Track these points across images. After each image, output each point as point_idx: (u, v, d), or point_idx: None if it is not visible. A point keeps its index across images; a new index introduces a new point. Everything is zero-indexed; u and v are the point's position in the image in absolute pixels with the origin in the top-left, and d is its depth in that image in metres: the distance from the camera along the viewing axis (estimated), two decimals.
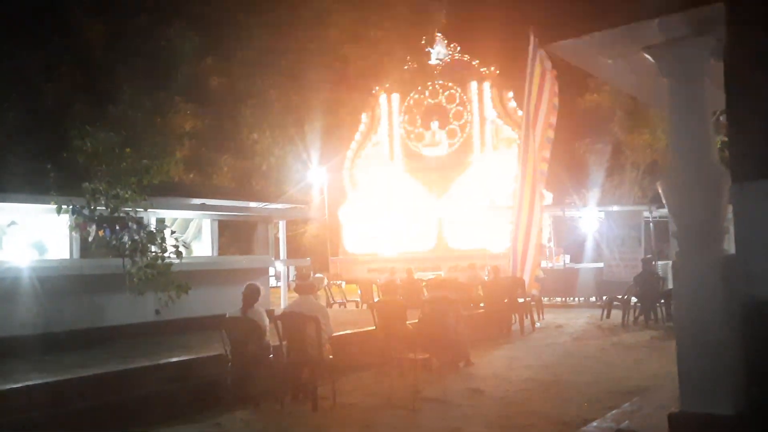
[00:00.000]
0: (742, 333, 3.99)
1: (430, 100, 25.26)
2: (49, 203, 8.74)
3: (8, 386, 5.77)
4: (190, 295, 8.98)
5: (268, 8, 27.31)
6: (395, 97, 25.76)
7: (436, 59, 25.34)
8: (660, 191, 4.47)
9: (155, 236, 9.00)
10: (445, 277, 16.92)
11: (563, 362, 9.17)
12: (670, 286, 7.11)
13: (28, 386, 5.85)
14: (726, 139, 4.31)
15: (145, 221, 9.61)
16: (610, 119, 26.28)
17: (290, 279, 21.52)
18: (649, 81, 4.98)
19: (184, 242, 9.63)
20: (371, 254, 24.37)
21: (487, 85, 24.25)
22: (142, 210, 9.10)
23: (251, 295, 6.87)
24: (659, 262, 15.71)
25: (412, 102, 25.58)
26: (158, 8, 25.90)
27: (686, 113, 4.33)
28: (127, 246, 8.82)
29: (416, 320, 8.70)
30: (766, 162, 3.89)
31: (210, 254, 12.49)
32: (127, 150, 8.97)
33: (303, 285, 7.50)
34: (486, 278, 14.61)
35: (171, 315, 9.16)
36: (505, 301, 12.34)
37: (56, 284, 8.55)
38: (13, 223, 9.64)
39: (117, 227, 8.87)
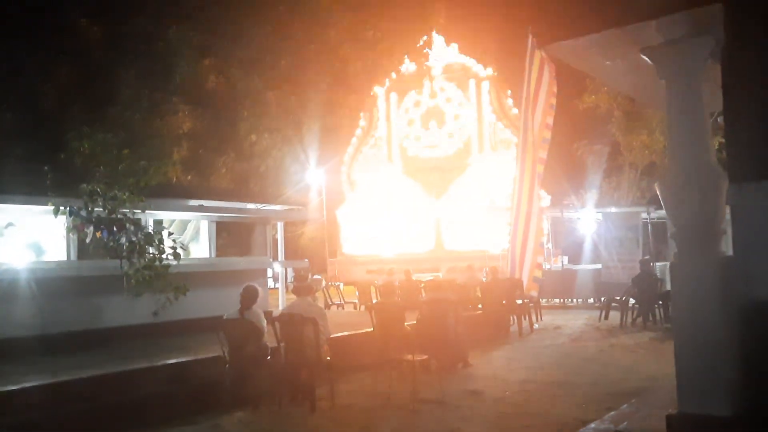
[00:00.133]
0: (740, 334, 3.99)
1: (428, 101, 25.26)
2: (46, 204, 8.72)
3: (5, 388, 5.76)
4: (187, 297, 8.97)
5: (266, 9, 27.30)
6: (393, 97, 25.76)
7: (435, 60, 25.34)
8: (658, 192, 4.48)
9: (153, 238, 8.99)
10: (443, 278, 16.92)
11: (561, 363, 9.17)
12: (668, 287, 7.11)
13: (25, 388, 5.84)
14: (724, 140, 4.32)
15: (143, 223, 9.60)
16: (608, 120, 26.30)
17: (288, 280, 21.51)
18: (647, 82, 4.98)
19: (182, 244, 9.63)
20: (369, 255, 24.34)
21: (485, 86, 24.26)
22: (139, 211, 9.08)
23: (249, 297, 6.86)
24: (657, 264, 15.70)
25: (410, 103, 25.57)
26: (156, 9, 25.88)
27: (684, 114, 4.33)
28: (124, 247, 8.81)
29: (414, 321, 8.69)
30: (763, 163, 3.90)
31: (208, 256, 12.46)
32: (125, 151, 8.98)
33: (301, 286, 7.50)
34: (484, 279, 14.61)
35: (169, 316, 9.15)
36: (504, 302, 12.34)
37: (53, 286, 8.53)
38: (10, 224, 9.61)
39: (114, 229, 8.86)
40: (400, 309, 8.14)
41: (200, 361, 7.13)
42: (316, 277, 22.80)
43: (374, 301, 13.30)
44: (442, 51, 25.45)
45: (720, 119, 5.37)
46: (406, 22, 28.88)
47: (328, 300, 16.34)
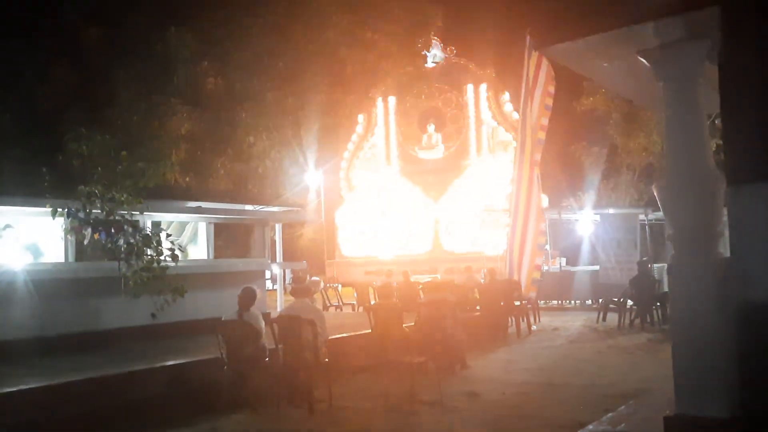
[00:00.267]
0: (737, 336, 3.99)
1: (426, 103, 25.26)
2: (44, 206, 8.71)
3: (3, 390, 5.75)
4: (186, 299, 8.95)
5: (264, 11, 27.31)
6: (392, 99, 25.76)
7: (433, 62, 25.34)
8: (656, 194, 4.49)
9: (151, 239, 8.97)
10: (441, 279, 16.92)
11: (559, 365, 9.18)
12: (666, 288, 7.12)
13: (22, 390, 5.83)
14: (721, 142, 4.33)
15: (141, 224, 9.58)
16: (605, 122, 26.30)
17: (286, 282, 21.49)
18: (644, 84, 4.99)
19: (180, 245, 9.62)
20: (368, 257, 24.30)
21: (483, 88, 24.26)
22: (137, 213, 9.07)
23: (247, 299, 6.87)
24: (655, 265, 15.72)
25: (408, 105, 25.57)
26: (154, 11, 25.88)
27: (681, 116, 4.34)
28: (122, 249, 8.79)
29: (413, 323, 8.69)
30: (761, 165, 3.90)
31: (206, 257, 12.45)
32: (123, 153, 8.95)
33: (299, 288, 7.51)
34: (482, 281, 14.61)
35: (167, 318, 9.13)
36: (502, 304, 12.34)
37: (51, 288, 8.52)
38: (8, 226, 9.59)
39: (112, 230, 8.84)
40: (398, 310, 8.13)
41: (198, 363, 7.12)
42: (314, 278, 22.69)
43: (372, 302, 13.31)
44: (440, 53, 25.45)
45: (717, 121, 5.38)
46: (405, 24, 28.94)
47: (327, 301, 16.32)
